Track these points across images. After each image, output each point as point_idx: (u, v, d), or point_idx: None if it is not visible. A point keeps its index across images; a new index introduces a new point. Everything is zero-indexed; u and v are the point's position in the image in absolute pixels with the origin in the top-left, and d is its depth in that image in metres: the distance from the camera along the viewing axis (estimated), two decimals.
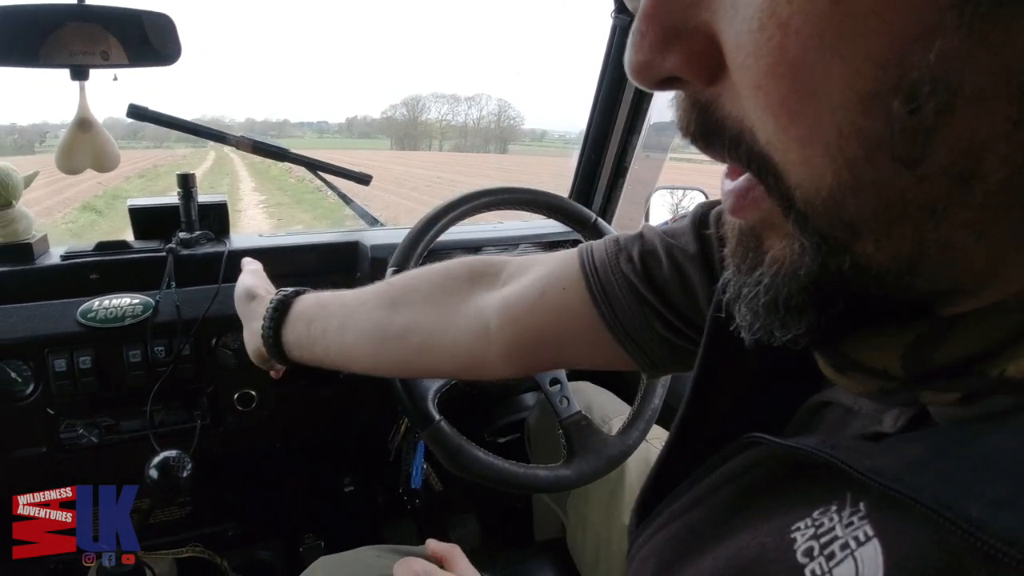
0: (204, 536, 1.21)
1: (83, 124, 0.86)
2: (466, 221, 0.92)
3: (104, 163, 0.88)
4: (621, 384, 1.13)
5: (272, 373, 0.77)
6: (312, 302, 0.66)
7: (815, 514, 0.25)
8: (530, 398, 1.18)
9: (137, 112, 0.95)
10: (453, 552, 0.69)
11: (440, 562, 0.68)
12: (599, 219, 0.98)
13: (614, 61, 1.23)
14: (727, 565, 0.28)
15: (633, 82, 0.24)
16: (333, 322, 0.63)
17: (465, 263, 0.62)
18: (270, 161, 1.07)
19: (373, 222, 1.20)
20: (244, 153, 1.02)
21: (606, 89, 1.27)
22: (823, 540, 0.24)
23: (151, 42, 0.83)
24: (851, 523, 0.23)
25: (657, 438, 0.95)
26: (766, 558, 0.26)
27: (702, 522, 0.33)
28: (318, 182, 1.10)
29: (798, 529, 0.25)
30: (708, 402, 0.38)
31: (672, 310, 0.48)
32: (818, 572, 0.23)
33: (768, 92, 0.20)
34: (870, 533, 0.22)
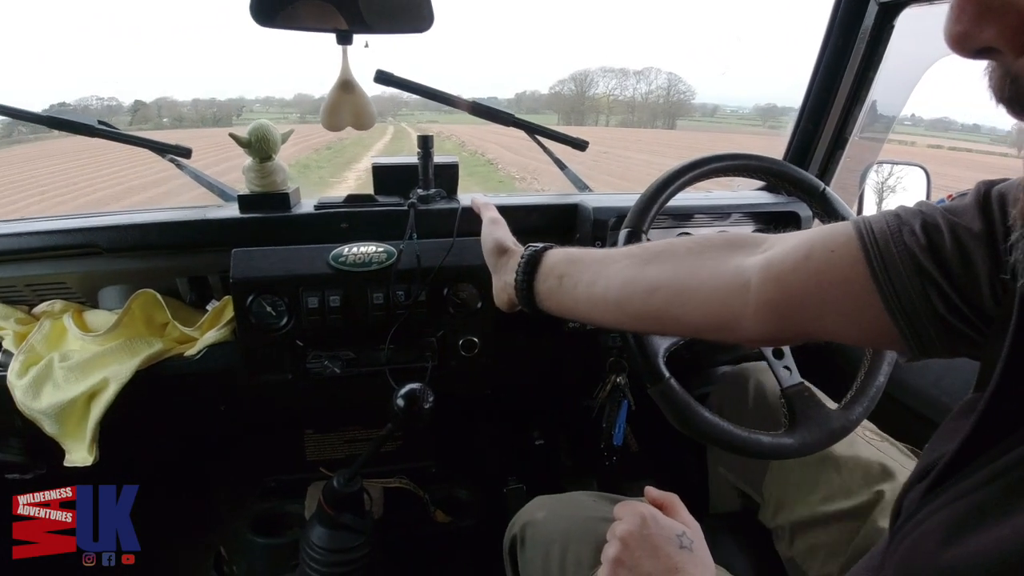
0: (409, 470, 1.33)
1: (346, 86, 0.95)
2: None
3: (363, 121, 0.97)
4: (828, 372, 1.07)
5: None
6: (562, 257, 0.69)
7: None
8: (716, 373, 1.17)
9: (384, 77, 1.04)
10: (674, 500, 0.70)
11: (660, 508, 0.69)
12: (828, 188, 0.92)
13: (839, 28, 1.16)
14: None
15: (951, 50, 0.28)
16: (585, 276, 0.66)
17: (723, 234, 0.64)
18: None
19: (583, 187, 1.23)
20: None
21: (828, 56, 1.20)
22: None
23: (405, 9, 0.90)
24: None
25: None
26: None
27: (993, 498, 0.33)
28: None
29: None
30: (1017, 379, 0.36)
31: (953, 286, 0.47)
32: None
33: None
34: None
